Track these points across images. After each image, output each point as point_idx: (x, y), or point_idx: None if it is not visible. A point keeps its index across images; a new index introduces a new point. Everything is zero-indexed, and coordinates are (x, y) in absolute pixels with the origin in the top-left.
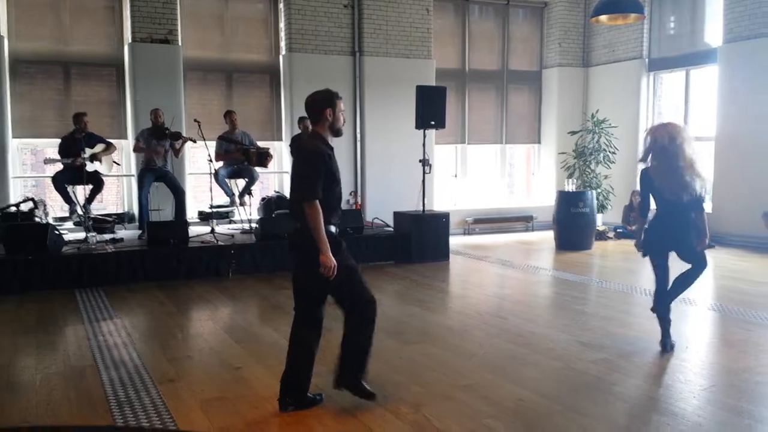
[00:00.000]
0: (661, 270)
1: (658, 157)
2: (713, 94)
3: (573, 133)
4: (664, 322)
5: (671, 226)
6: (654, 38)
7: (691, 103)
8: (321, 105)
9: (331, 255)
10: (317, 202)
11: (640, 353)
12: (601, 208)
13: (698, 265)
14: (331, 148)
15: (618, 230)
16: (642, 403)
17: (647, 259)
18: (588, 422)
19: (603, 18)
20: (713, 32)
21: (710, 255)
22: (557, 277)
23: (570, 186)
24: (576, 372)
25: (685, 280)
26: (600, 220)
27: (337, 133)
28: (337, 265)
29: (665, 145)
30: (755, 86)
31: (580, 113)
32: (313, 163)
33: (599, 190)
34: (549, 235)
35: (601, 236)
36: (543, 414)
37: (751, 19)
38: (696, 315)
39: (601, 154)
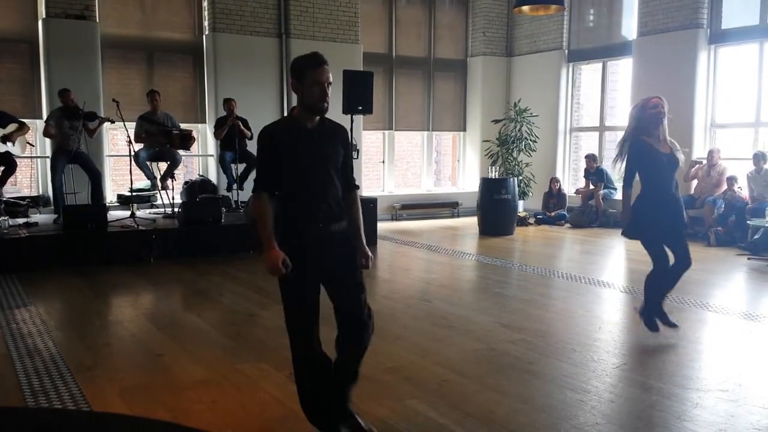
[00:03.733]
0: (663, 255)
1: (658, 129)
2: (628, 85)
3: (496, 121)
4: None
5: (667, 209)
6: (573, 30)
7: (607, 94)
8: (291, 73)
9: (274, 253)
10: (262, 194)
11: (557, 334)
12: (522, 194)
13: (686, 260)
14: (307, 130)
15: (538, 216)
16: (558, 381)
17: (563, 243)
18: (507, 400)
19: (525, 9)
20: (629, 25)
21: (623, 240)
22: (481, 261)
23: (493, 173)
24: (496, 352)
25: (674, 278)
26: (521, 207)
27: (310, 108)
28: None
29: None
30: (666, 79)
31: (503, 102)
32: (258, 150)
33: (521, 178)
34: (473, 221)
35: (522, 222)
36: (465, 393)
37: (664, 13)
38: (610, 296)
39: (523, 143)
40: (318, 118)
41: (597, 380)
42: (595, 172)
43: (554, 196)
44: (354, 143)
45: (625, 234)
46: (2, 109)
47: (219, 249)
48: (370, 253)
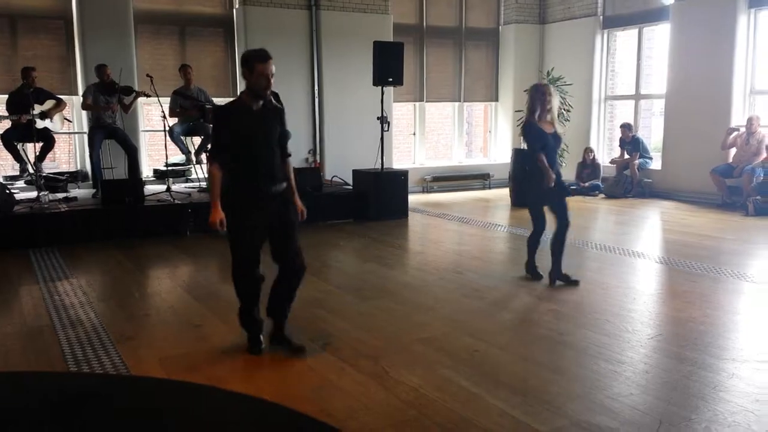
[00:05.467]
0: (543, 217)
1: (545, 111)
2: (665, 53)
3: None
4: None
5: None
6: None
7: (643, 61)
8: (241, 63)
9: (216, 213)
10: (216, 164)
11: (590, 305)
12: None
13: (565, 220)
14: (252, 111)
15: (571, 187)
16: (591, 352)
17: (597, 214)
18: (540, 370)
19: None
20: None
21: (659, 209)
22: (512, 233)
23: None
24: (529, 323)
25: (564, 237)
26: None
27: (256, 94)
28: (231, 221)
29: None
30: (704, 45)
31: (536, 71)
32: (214, 125)
33: None
34: (505, 193)
35: None
36: (497, 363)
37: None
38: (644, 267)
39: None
40: (261, 101)
41: (631, 351)
42: (630, 142)
43: (588, 166)
44: (384, 115)
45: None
46: (40, 86)
47: None
48: (303, 207)
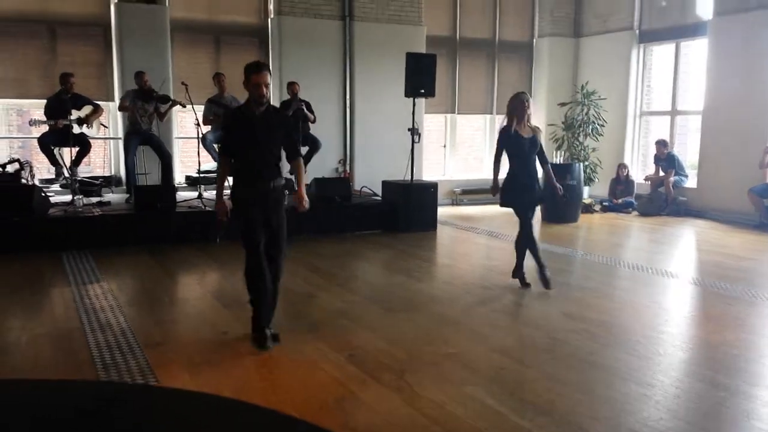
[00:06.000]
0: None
1: (523, 119)
2: (702, 68)
3: (563, 104)
4: (521, 259)
5: (524, 183)
6: (645, 9)
7: (680, 77)
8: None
9: (220, 202)
10: (224, 158)
11: (621, 325)
12: (588, 180)
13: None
14: (254, 115)
15: (604, 203)
16: (620, 373)
17: (629, 232)
18: (567, 390)
19: None
20: (704, 4)
21: (694, 229)
22: (543, 249)
23: (558, 158)
24: (557, 342)
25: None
26: (586, 193)
27: (254, 101)
28: (235, 214)
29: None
30: (743, 61)
31: (570, 84)
32: (223, 128)
33: (587, 163)
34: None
35: (587, 209)
36: (523, 382)
37: None
38: (677, 288)
39: (590, 127)
40: (263, 107)
41: (662, 374)
42: (665, 158)
43: (622, 182)
44: (415, 126)
45: (502, 204)
46: (77, 92)
47: None
48: (306, 199)
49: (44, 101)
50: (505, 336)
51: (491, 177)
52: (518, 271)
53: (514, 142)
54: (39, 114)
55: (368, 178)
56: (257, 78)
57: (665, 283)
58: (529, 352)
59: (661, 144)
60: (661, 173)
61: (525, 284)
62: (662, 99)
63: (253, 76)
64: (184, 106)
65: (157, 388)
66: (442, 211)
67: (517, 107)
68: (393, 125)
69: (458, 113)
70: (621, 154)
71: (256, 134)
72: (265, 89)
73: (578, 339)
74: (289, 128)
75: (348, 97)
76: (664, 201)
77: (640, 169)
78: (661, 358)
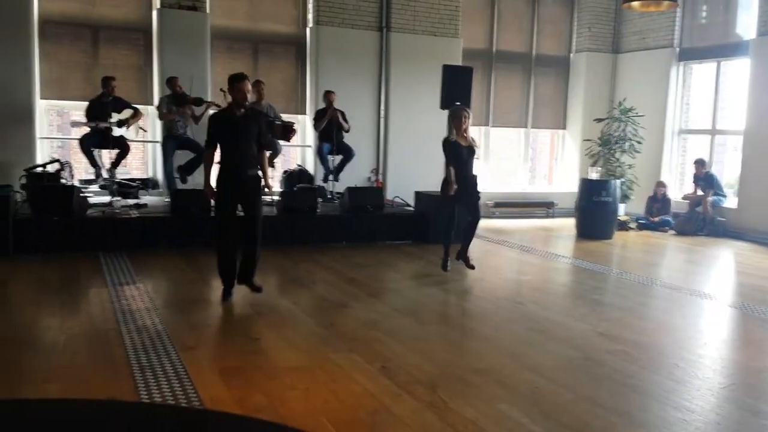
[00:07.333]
0: (453, 215)
1: (461, 130)
2: (744, 88)
3: (599, 120)
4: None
5: (465, 185)
6: (686, 27)
7: (720, 96)
8: (228, 82)
9: (208, 186)
10: (209, 150)
11: (658, 347)
12: (624, 198)
13: (477, 216)
14: (236, 116)
15: (640, 221)
16: (658, 397)
17: (665, 251)
18: (603, 413)
19: (635, 4)
20: (746, 24)
21: (733, 250)
22: (576, 265)
23: (594, 174)
24: (592, 362)
25: (471, 228)
26: (622, 210)
27: (236, 105)
28: (218, 195)
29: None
30: None
31: (607, 100)
32: (208, 126)
33: (623, 180)
34: (569, 223)
35: (623, 226)
36: (558, 402)
37: None
38: (716, 312)
39: (627, 143)
40: (242, 109)
41: (701, 399)
42: (704, 178)
43: (659, 200)
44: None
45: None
46: (118, 95)
47: (311, 238)
48: (272, 186)
49: (84, 103)
50: (539, 354)
51: (525, 191)
52: (462, 254)
53: (454, 150)
54: (79, 115)
55: (401, 188)
56: (241, 86)
57: (702, 304)
58: (565, 372)
59: (699, 163)
60: (699, 192)
61: (469, 266)
62: (700, 117)
63: (238, 83)
64: (219, 107)
65: (196, 411)
66: None
67: (454, 120)
68: (427, 136)
69: (492, 126)
70: (658, 171)
71: (238, 132)
72: (247, 95)
73: (614, 360)
74: (262, 126)
75: (383, 107)
76: (702, 221)
77: (678, 188)
78: (699, 383)
